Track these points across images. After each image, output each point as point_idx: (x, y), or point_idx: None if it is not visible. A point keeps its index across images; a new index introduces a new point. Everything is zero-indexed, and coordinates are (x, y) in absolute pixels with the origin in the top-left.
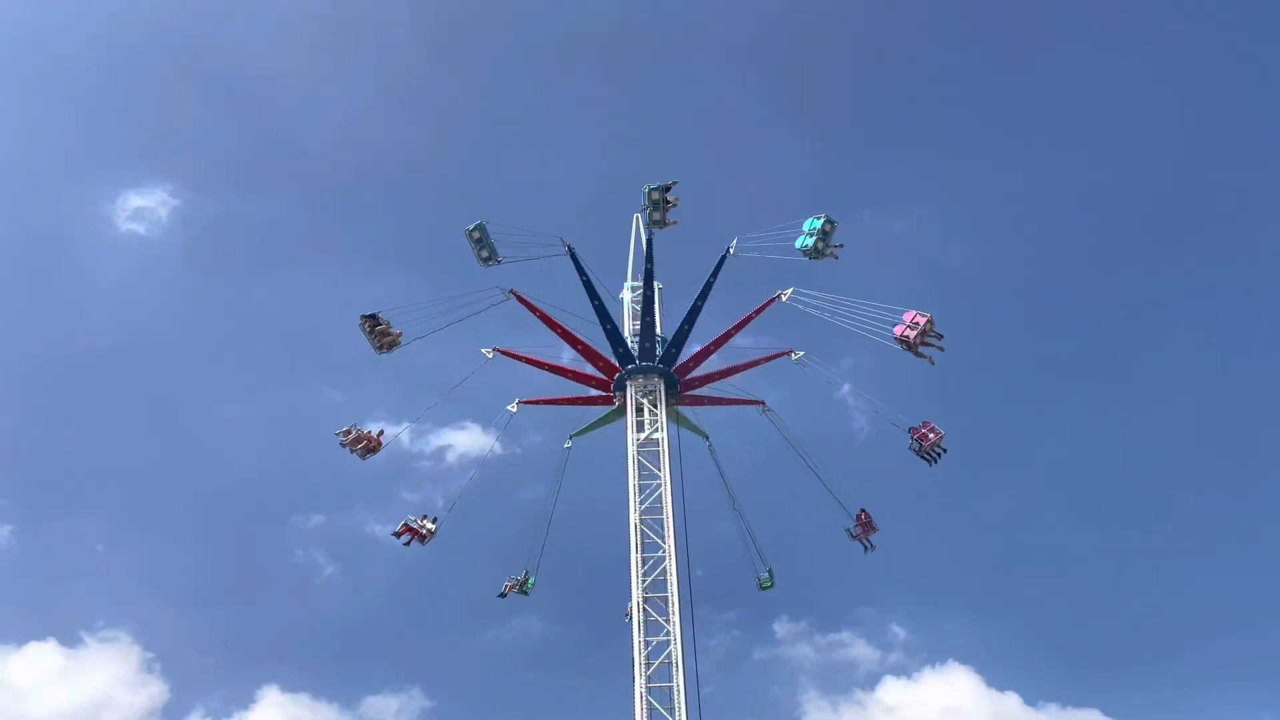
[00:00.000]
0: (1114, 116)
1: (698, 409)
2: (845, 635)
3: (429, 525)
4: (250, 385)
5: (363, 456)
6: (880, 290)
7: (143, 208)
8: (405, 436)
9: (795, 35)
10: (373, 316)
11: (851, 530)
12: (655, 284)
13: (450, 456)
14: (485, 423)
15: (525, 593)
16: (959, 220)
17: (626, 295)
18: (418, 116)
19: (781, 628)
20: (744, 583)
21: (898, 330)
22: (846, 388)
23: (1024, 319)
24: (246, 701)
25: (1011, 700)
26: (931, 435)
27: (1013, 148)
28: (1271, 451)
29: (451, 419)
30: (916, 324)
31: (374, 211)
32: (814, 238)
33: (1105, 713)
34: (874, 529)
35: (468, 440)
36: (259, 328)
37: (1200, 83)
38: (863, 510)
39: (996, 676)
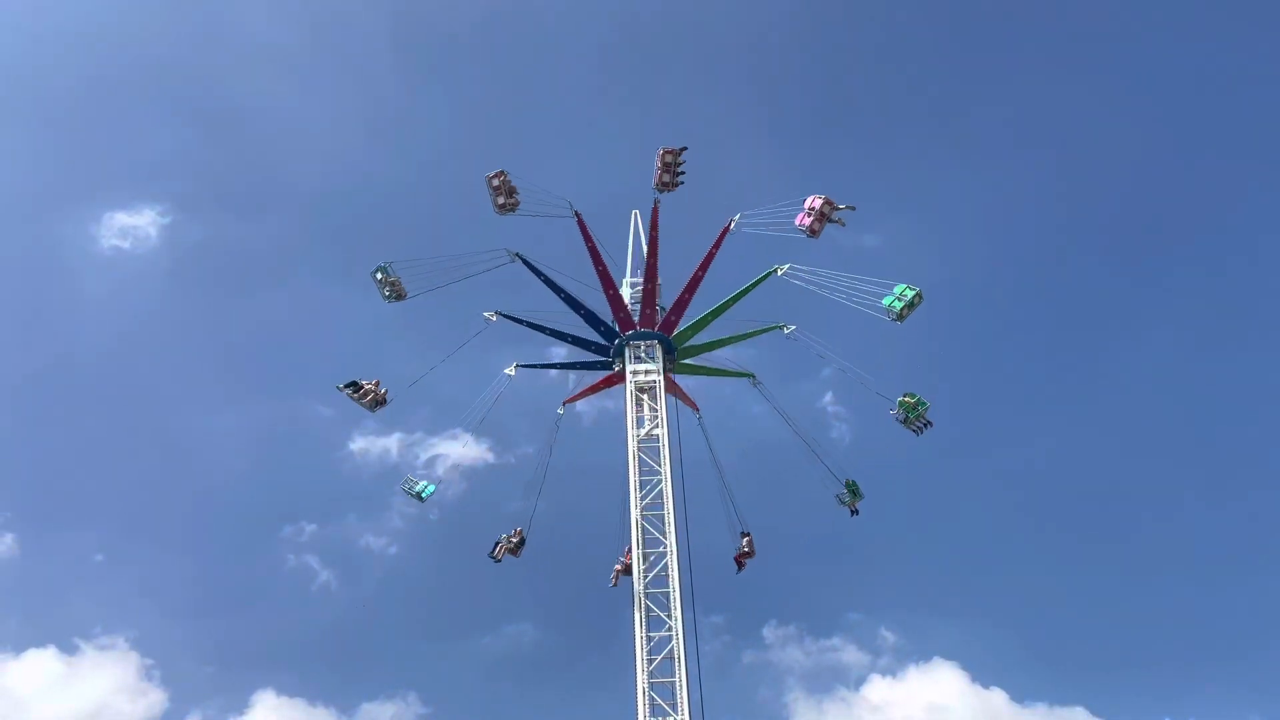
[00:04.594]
0: (1086, 127)
1: (690, 381)
2: (836, 641)
3: (382, 395)
4: (241, 399)
5: (371, 409)
6: (855, 301)
7: (130, 226)
8: (395, 447)
9: (769, 49)
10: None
11: (842, 497)
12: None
13: (441, 467)
14: (478, 431)
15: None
16: (931, 233)
17: (626, 292)
18: (402, 137)
19: (770, 632)
20: (733, 587)
21: (797, 219)
22: (829, 395)
23: (1002, 326)
24: (243, 708)
25: (998, 697)
26: (816, 203)
27: (983, 160)
28: (1259, 452)
29: (443, 428)
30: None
31: (361, 232)
32: (902, 303)
33: (1092, 711)
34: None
35: (459, 450)
36: (249, 343)
37: (1173, 89)
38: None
39: (982, 673)
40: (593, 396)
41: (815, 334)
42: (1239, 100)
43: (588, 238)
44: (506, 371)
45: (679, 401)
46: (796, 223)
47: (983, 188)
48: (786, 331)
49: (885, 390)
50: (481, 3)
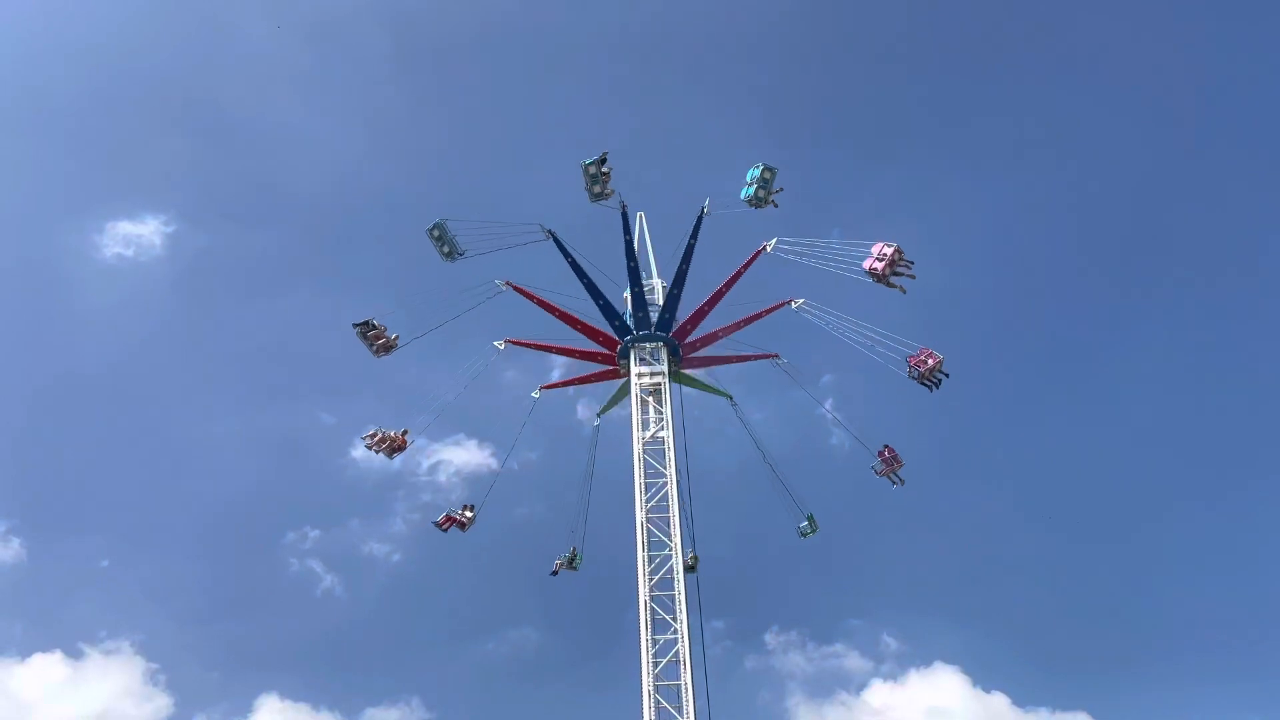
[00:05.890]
0: (1088, 133)
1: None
2: (838, 647)
3: (468, 514)
4: (245, 406)
5: (390, 456)
6: (855, 308)
7: (134, 234)
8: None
9: (770, 54)
10: (366, 322)
11: (877, 468)
12: (657, 281)
13: (444, 473)
14: (481, 437)
15: (575, 568)
16: (928, 238)
17: (629, 297)
18: (404, 144)
19: (772, 638)
20: (733, 591)
21: (866, 263)
22: (829, 402)
23: (1002, 330)
24: (247, 712)
25: (999, 701)
26: (930, 360)
27: (984, 165)
28: (1259, 454)
29: (445, 434)
30: (884, 255)
31: (364, 240)
32: (754, 186)
33: (1094, 715)
34: (900, 463)
35: (464, 456)
36: (253, 350)
37: (1174, 95)
38: (886, 446)
39: (984, 677)
40: (593, 403)
41: (814, 357)
42: (1241, 106)
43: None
44: (533, 395)
45: (684, 402)
46: (865, 267)
47: (984, 193)
48: (795, 305)
49: (895, 350)
50: (482, 11)
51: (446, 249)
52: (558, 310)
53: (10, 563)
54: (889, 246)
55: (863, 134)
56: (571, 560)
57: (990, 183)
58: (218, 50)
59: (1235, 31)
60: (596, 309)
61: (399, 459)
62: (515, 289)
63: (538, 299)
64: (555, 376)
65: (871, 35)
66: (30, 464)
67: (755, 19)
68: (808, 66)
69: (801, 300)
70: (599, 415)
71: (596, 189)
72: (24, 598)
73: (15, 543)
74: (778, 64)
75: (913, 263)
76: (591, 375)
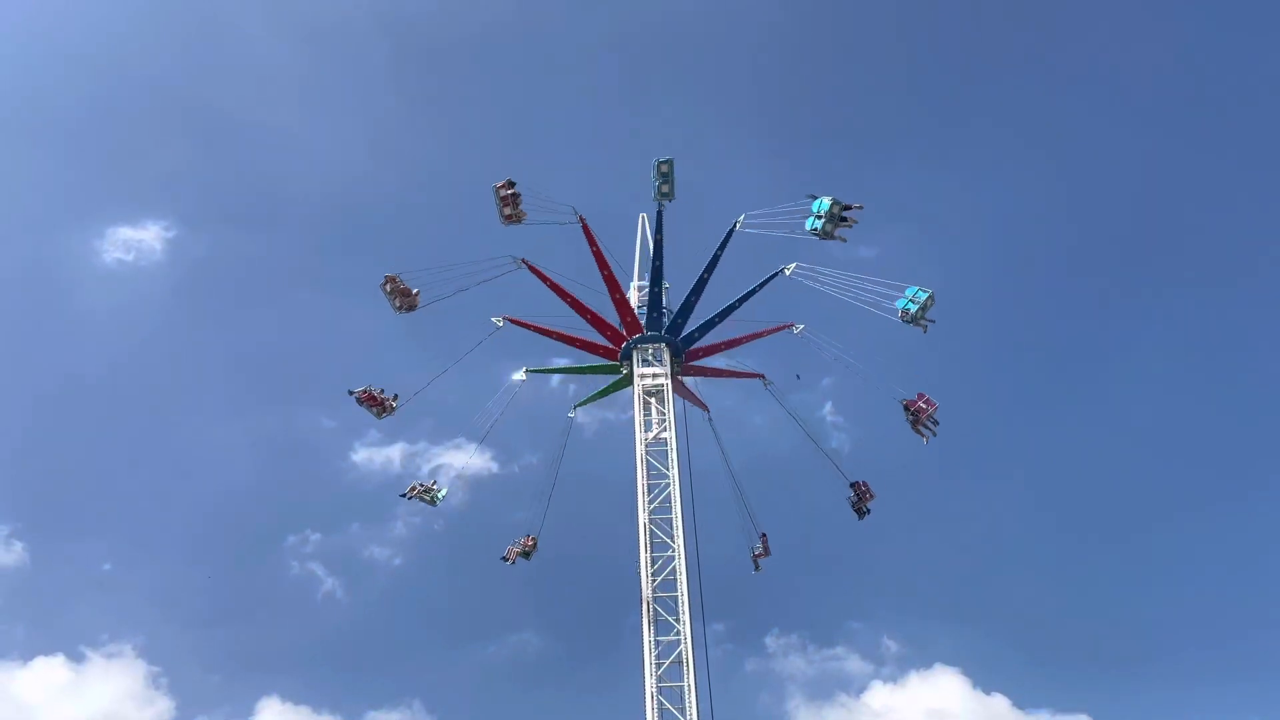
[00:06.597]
0: (1083, 135)
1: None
2: (839, 650)
3: (391, 403)
4: (246, 410)
5: (378, 416)
6: (854, 313)
7: (135, 240)
8: (398, 457)
9: (768, 57)
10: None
11: (755, 549)
12: (665, 283)
13: (445, 476)
14: (486, 438)
15: (433, 503)
16: (930, 243)
17: (633, 296)
18: (404, 148)
19: (773, 641)
20: (736, 595)
21: (910, 404)
22: (829, 405)
23: (1000, 334)
24: (249, 715)
25: (1000, 703)
26: (927, 407)
27: (980, 169)
28: (1258, 455)
29: (446, 438)
30: (928, 406)
31: (364, 244)
32: (822, 220)
33: (1094, 716)
34: (768, 553)
35: (463, 460)
36: (253, 354)
37: (1169, 95)
38: (763, 534)
39: (984, 679)
40: (592, 406)
41: (820, 339)
42: (1239, 107)
43: (592, 242)
44: (516, 377)
45: (686, 404)
46: (907, 404)
47: (980, 197)
48: (796, 331)
49: (891, 391)
50: (481, 13)
51: (667, 188)
52: (569, 296)
53: (12, 566)
54: (933, 404)
55: (862, 135)
56: (431, 493)
57: (989, 184)
58: (217, 56)
59: (1232, 33)
60: (599, 306)
61: (399, 463)
62: (529, 267)
63: (550, 281)
64: (554, 379)
65: (871, 36)
66: (32, 468)
67: (755, 20)
68: (807, 67)
69: (802, 326)
70: (575, 408)
71: (829, 227)
72: (26, 601)
73: (18, 546)
74: (777, 65)
75: (938, 423)
76: (587, 368)
